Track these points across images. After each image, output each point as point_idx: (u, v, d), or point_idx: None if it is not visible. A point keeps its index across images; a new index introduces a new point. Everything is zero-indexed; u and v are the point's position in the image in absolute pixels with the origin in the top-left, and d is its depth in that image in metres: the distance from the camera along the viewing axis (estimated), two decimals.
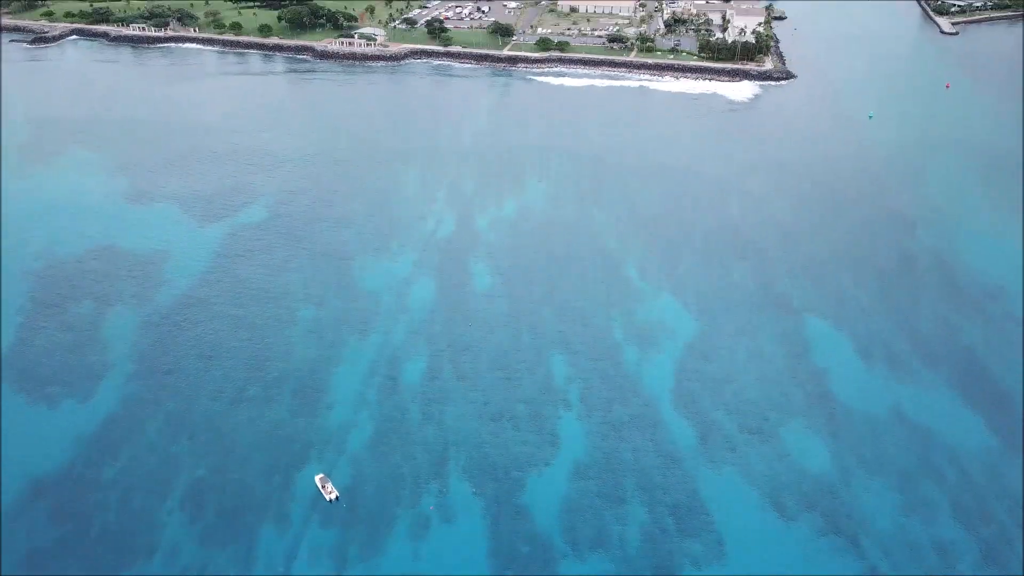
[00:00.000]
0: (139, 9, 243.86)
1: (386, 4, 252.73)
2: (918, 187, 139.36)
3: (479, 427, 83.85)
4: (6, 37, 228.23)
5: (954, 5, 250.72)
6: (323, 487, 75.40)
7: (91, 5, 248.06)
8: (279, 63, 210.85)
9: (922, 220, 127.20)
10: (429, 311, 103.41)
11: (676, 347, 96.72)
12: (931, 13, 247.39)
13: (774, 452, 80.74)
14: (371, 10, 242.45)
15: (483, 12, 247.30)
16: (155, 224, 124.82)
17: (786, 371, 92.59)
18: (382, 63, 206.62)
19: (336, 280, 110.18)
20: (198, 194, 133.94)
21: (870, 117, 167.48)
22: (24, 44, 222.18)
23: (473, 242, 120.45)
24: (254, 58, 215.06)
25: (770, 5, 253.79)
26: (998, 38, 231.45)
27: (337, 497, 74.69)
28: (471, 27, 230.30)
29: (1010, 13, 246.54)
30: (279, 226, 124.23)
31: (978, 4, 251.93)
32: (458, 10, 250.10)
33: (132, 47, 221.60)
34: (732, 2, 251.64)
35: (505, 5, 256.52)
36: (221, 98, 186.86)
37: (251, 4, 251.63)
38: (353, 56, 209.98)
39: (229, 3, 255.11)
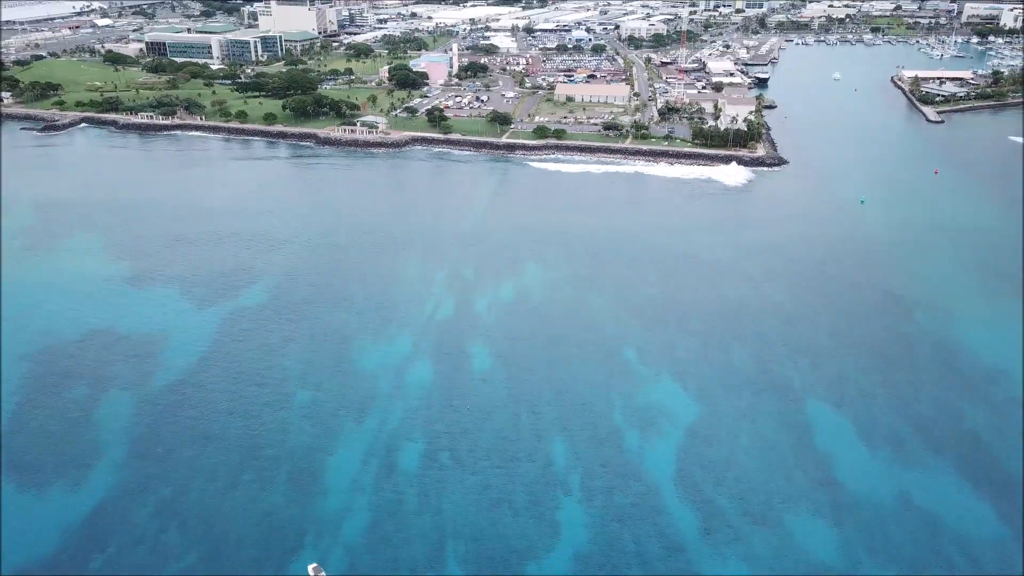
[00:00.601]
0: (148, 98, 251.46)
1: (388, 93, 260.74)
2: (913, 270, 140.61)
3: (477, 515, 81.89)
4: (17, 125, 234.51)
5: (938, 95, 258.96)
6: None
7: (102, 94, 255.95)
8: (282, 149, 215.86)
9: (919, 303, 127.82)
10: (427, 394, 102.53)
11: (677, 431, 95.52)
12: (916, 102, 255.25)
13: (780, 540, 78.67)
14: (373, 99, 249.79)
15: (482, 101, 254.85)
16: (154, 307, 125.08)
17: (789, 456, 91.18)
18: (383, 149, 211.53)
19: (333, 363, 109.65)
20: (198, 276, 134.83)
21: (862, 202, 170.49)
22: (34, 132, 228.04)
23: (471, 324, 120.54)
24: (258, 145, 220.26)
25: (760, 95, 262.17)
26: (982, 126, 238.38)
27: None
28: (470, 115, 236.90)
29: (992, 103, 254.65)
30: (278, 308, 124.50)
31: (961, 94, 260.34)
32: (458, 99, 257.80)
33: (139, 134, 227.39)
34: (723, 91, 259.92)
35: (503, 95, 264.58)
36: (224, 182, 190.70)
37: (257, 94, 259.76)
38: (355, 143, 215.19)
39: (236, 92, 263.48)
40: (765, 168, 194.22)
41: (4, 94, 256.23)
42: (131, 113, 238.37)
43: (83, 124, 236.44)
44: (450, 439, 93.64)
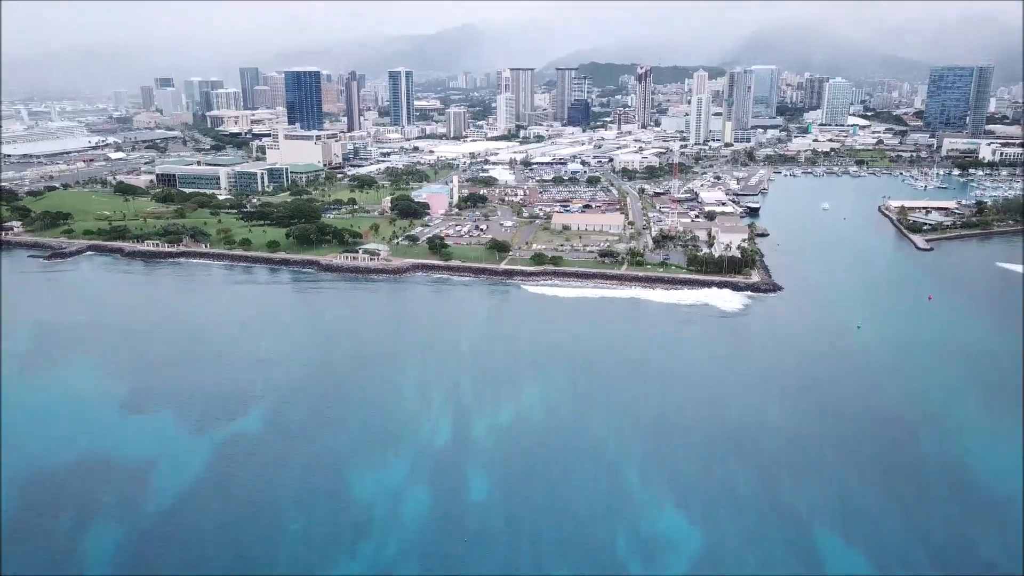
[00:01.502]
0: (155, 226, 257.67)
1: (390, 222, 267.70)
2: (914, 392, 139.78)
3: None
4: (25, 252, 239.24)
5: (925, 224, 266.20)
6: None
7: (110, 223, 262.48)
8: (284, 276, 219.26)
9: (922, 426, 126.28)
10: (423, 522, 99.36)
11: (682, 560, 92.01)
12: (904, 230, 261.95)
13: None
14: (376, 227, 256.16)
15: (481, 230, 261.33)
16: (148, 432, 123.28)
17: None
18: (384, 276, 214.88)
19: (327, 491, 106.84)
20: (194, 401, 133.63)
21: (858, 328, 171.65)
22: (40, 259, 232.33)
23: (470, 448, 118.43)
24: (260, 271, 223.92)
25: (752, 223, 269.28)
26: (970, 253, 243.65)
27: None
28: (470, 243, 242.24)
29: (979, 231, 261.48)
30: (272, 433, 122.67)
31: (947, 223, 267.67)
32: (458, 228, 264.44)
33: (144, 261, 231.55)
34: (716, 220, 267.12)
35: (502, 224, 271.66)
36: (224, 306, 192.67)
37: (262, 222, 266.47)
38: (356, 269, 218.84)
39: (241, 221, 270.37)
40: (760, 294, 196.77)
41: (15, 223, 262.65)
42: (137, 241, 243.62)
43: (89, 252, 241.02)
44: (448, 570, 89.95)
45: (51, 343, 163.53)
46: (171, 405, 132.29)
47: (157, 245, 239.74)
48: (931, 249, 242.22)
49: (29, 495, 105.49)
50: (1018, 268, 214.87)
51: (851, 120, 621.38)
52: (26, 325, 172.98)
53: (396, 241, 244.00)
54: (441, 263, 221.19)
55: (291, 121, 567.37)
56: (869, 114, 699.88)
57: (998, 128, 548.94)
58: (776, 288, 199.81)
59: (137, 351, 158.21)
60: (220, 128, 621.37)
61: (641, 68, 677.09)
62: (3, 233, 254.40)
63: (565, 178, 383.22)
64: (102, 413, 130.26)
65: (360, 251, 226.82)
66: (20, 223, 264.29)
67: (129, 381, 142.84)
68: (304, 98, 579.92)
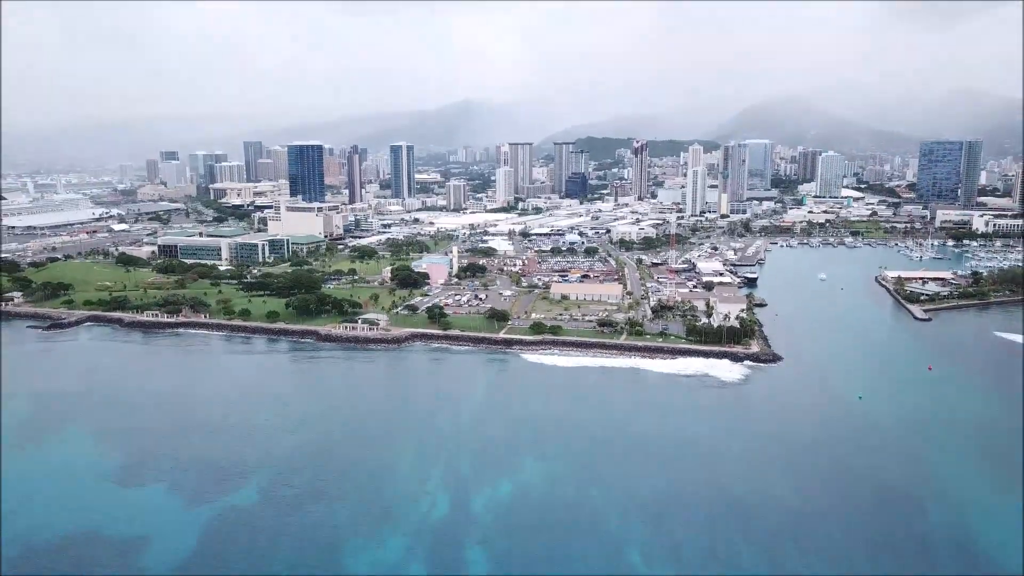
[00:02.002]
0: (155, 297, 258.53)
1: (390, 292, 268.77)
2: (919, 465, 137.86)
3: None
4: (24, 323, 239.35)
5: (922, 294, 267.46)
6: None
7: (110, 293, 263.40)
8: (283, 346, 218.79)
9: (930, 499, 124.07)
10: None
11: None
12: (902, 301, 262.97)
13: None
14: (376, 297, 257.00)
15: (480, 299, 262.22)
16: (141, 507, 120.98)
17: None
18: (383, 345, 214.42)
19: (323, 568, 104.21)
20: (188, 473, 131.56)
21: (859, 398, 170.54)
22: (39, 329, 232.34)
23: (468, 525, 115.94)
24: (259, 341, 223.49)
25: (750, 293, 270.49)
26: (968, 323, 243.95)
27: None
28: (469, 313, 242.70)
29: (976, 301, 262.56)
30: (267, 507, 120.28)
31: (944, 293, 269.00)
32: (457, 297, 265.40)
33: (143, 332, 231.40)
34: (714, 290, 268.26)
35: (501, 293, 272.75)
36: (221, 377, 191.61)
37: (262, 293, 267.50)
38: (356, 339, 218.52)
39: (242, 291, 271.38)
40: (761, 364, 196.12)
41: (16, 294, 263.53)
42: (137, 311, 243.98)
43: (88, 322, 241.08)
44: None
45: (46, 414, 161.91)
46: (165, 477, 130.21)
47: (156, 315, 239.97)
48: (929, 319, 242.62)
49: (20, 569, 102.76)
50: (1017, 338, 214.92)
51: (845, 192, 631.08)
52: (21, 396, 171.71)
53: (396, 311, 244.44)
54: (440, 332, 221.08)
55: (293, 193, 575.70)
56: (862, 186, 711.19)
57: (990, 200, 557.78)
58: (776, 358, 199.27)
59: (132, 422, 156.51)
60: (223, 200, 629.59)
61: (637, 142, 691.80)
62: (4, 304, 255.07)
63: (563, 248, 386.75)
64: (96, 485, 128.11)
65: (359, 320, 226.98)
66: (21, 294, 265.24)
67: (123, 453, 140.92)
68: (307, 171, 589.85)
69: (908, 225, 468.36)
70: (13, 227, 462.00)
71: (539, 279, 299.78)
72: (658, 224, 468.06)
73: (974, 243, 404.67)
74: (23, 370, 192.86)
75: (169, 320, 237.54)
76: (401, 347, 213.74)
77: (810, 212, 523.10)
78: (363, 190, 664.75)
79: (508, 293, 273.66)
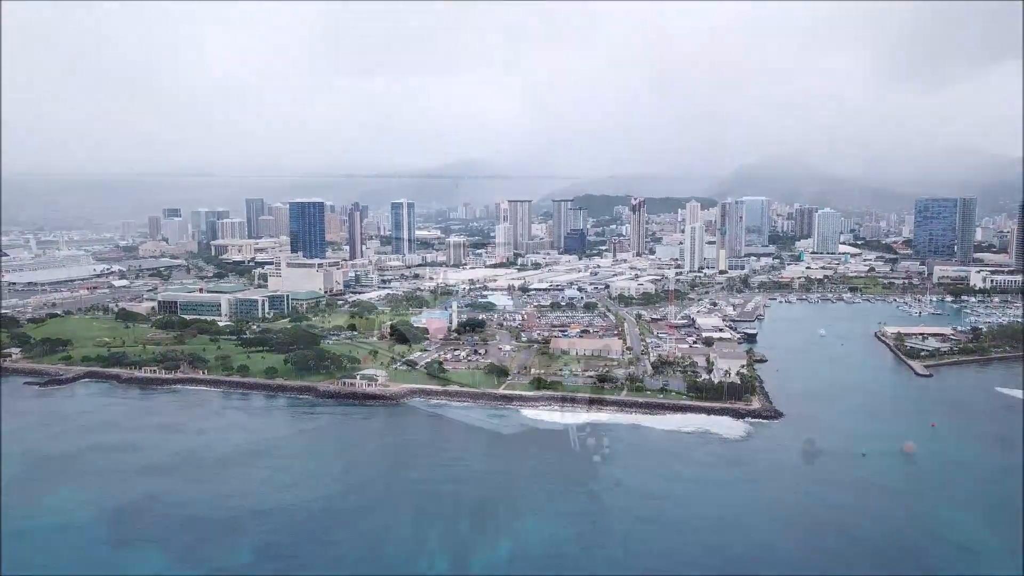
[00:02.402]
0: (153, 353, 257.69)
1: (389, 348, 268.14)
2: (930, 523, 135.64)
3: None
4: (21, 379, 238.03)
5: (923, 350, 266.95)
6: None
7: (109, 349, 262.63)
8: (280, 402, 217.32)
9: (944, 559, 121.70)
10: None
11: None
12: (903, 356, 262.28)
13: None
14: (374, 353, 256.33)
15: (480, 354, 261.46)
16: (135, 568, 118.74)
17: None
18: (382, 401, 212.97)
19: None
20: (179, 536, 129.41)
21: (863, 455, 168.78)
22: (36, 386, 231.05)
23: None
24: (257, 397, 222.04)
25: (750, 349, 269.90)
26: (970, 379, 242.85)
27: None
28: (469, 368, 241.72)
29: (976, 357, 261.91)
30: (263, 565, 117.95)
31: (944, 349, 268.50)
32: (456, 353, 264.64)
33: (140, 388, 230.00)
34: (714, 346, 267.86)
35: (501, 348, 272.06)
36: (216, 434, 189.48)
37: (261, 348, 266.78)
38: (354, 395, 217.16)
39: (241, 347, 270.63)
40: (762, 420, 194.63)
41: (14, 350, 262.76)
42: (135, 367, 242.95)
43: (86, 379, 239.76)
44: None
45: (39, 472, 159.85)
46: (159, 537, 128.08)
47: (154, 371, 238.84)
48: (930, 375, 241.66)
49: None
50: (1018, 394, 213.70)
51: (842, 248, 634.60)
52: (14, 454, 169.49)
53: (395, 366, 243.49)
54: (439, 388, 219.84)
55: (294, 250, 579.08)
56: (859, 243, 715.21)
57: (986, 256, 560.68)
58: (778, 415, 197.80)
59: (125, 480, 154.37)
60: (224, 256, 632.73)
61: (635, 199, 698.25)
62: (1, 360, 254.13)
63: (562, 304, 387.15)
64: (86, 550, 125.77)
65: (358, 376, 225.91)
66: (19, 350, 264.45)
67: (117, 513, 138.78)
68: (307, 227, 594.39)
69: (906, 281, 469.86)
70: (14, 283, 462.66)
71: (539, 334, 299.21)
72: (656, 280, 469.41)
73: (972, 299, 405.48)
74: (16, 427, 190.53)
75: (167, 376, 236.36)
76: (400, 403, 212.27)
77: (808, 268, 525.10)
78: (364, 246, 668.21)
79: (507, 348, 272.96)
